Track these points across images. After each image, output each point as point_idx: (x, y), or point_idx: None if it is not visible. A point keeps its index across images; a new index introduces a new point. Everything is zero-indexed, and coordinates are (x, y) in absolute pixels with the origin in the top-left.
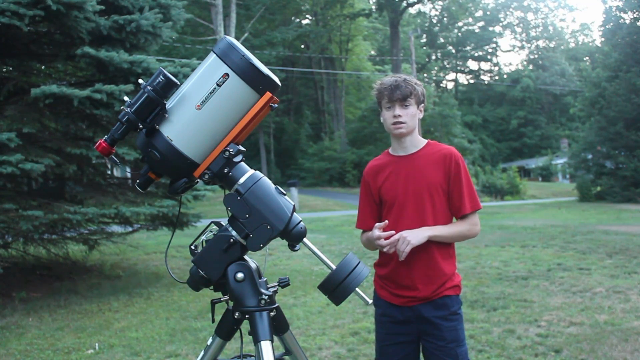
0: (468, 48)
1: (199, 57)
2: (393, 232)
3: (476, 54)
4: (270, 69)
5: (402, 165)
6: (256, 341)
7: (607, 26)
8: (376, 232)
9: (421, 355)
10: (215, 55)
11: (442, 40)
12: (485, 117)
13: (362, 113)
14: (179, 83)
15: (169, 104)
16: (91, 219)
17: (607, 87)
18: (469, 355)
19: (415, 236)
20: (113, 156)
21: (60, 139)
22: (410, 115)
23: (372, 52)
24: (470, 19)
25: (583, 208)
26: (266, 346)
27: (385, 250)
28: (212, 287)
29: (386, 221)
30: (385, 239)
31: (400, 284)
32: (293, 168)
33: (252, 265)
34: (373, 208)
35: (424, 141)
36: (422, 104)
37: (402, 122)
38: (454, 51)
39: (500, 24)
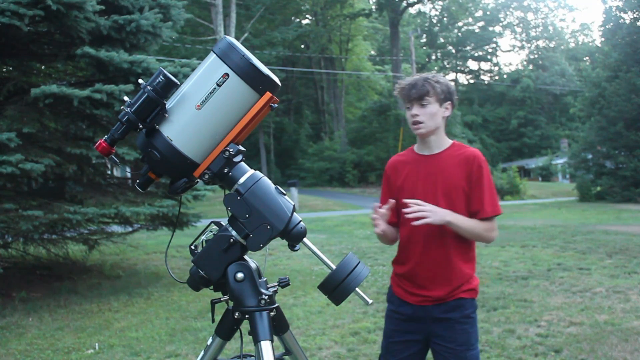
0: (468, 48)
1: (199, 57)
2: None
3: (476, 54)
4: (270, 69)
5: (424, 165)
6: (256, 341)
7: (607, 26)
8: (375, 215)
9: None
10: (215, 55)
11: (442, 40)
12: (485, 117)
13: (362, 113)
14: (179, 83)
15: (169, 104)
16: (91, 219)
17: (607, 87)
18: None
19: (435, 214)
20: (113, 156)
21: (60, 139)
22: (429, 114)
23: (372, 52)
24: (470, 19)
25: (583, 208)
26: (266, 346)
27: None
28: (212, 287)
29: (392, 200)
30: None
31: (416, 283)
32: (293, 168)
33: (252, 265)
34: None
35: (449, 142)
36: (449, 102)
37: (420, 122)
38: (454, 51)
39: (500, 24)
